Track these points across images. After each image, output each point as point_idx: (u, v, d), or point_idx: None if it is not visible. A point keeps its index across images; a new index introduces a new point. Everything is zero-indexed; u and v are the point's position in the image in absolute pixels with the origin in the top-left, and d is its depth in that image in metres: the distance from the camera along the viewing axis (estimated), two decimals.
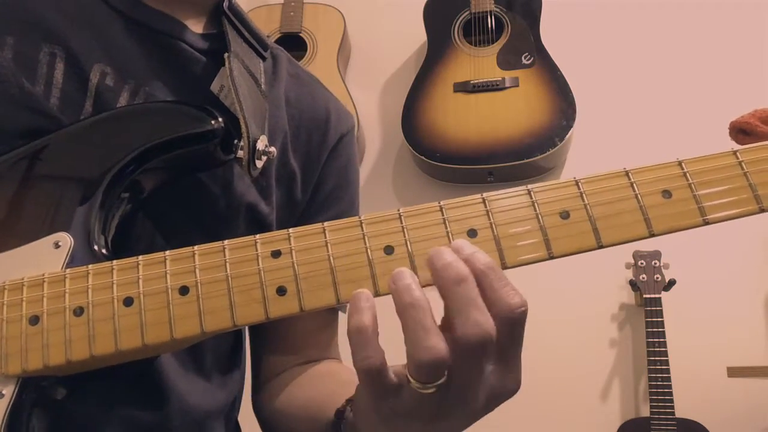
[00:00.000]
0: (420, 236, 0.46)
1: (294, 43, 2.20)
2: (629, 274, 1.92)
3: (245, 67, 0.66)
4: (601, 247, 0.46)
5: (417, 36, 2.25)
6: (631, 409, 1.96)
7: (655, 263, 1.88)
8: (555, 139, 1.90)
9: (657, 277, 1.86)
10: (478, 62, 2.07)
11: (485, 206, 0.47)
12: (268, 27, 2.22)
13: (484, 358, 0.42)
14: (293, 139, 0.73)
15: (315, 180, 0.75)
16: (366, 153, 2.25)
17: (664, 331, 1.79)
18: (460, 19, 2.14)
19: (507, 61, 2.04)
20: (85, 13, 0.63)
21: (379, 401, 0.45)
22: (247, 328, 0.79)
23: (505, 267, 0.46)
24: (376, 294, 0.45)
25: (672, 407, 1.74)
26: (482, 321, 0.41)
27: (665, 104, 2.07)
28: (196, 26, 0.69)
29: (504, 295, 0.42)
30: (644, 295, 1.85)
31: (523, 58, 2.03)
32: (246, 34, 0.70)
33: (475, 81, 2.02)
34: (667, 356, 1.76)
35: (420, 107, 2.06)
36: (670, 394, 1.75)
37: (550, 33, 2.07)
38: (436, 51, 2.14)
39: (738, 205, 0.46)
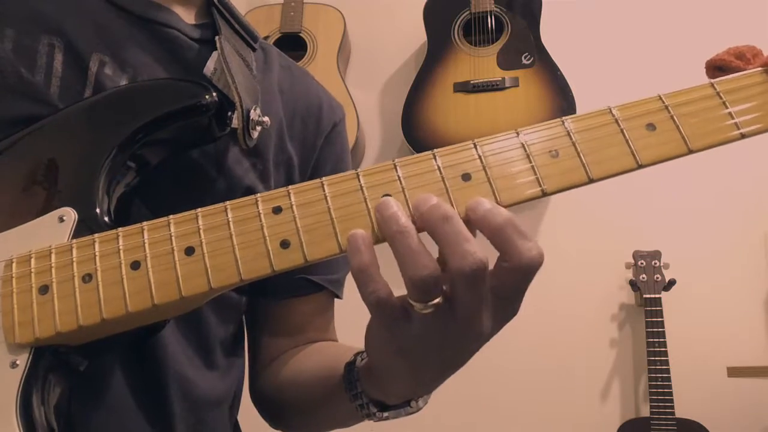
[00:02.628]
0: (416, 183, 0.47)
1: (294, 43, 2.20)
2: (629, 274, 1.92)
3: (236, 51, 0.68)
4: (591, 181, 0.47)
5: (417, 36, 2.25)
6: (631, 409, 1.96)
7: (655, 263, 1.88)
8: None
9: (657, 277, 1.86)
10: (478, 62, 2.07)
11: (476, 151, 0.48)
12: (268, 27, 2.22)
13: (482, 284, 0.44)
14: (288, 126, 0.75)
15: (312, 165, 0.77)
16: (366, 153, 2.25)
17: (664, 331, 1.79)
18: (460, 19, 2.15)
19: (507, 61, 2.04)
20: (81, 6, 0.64)
21: (391, 331, 0.47)
22: (244, 315, 0.80)
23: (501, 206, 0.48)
24: (377, 241, 0.46)
25: (672, 407, 1.74)
26: (472, 251, 0.43)
27: None
28: (188, 17, 0.71)
29: (526, 249, 0.43)
30: (644, 295, 1.85)
31: (523, 58, 2.03)
32: (235, 25, 0.73)
33: (475, 81, 2.03)
34: (667, 356, 1.77)
35: (420, 107, 2.06)
36: (670, 394, 1.75)
37: (550, 33, 2.07)
38: (436, 51, 2.14)
39: (720, 132, 0.48)
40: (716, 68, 0.53)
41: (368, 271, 0.44)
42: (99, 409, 0.59)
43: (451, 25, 2.14)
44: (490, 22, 2.11)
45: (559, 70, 2.00)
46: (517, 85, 2.00)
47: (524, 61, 2.03)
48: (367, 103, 2.28)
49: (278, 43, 2.19)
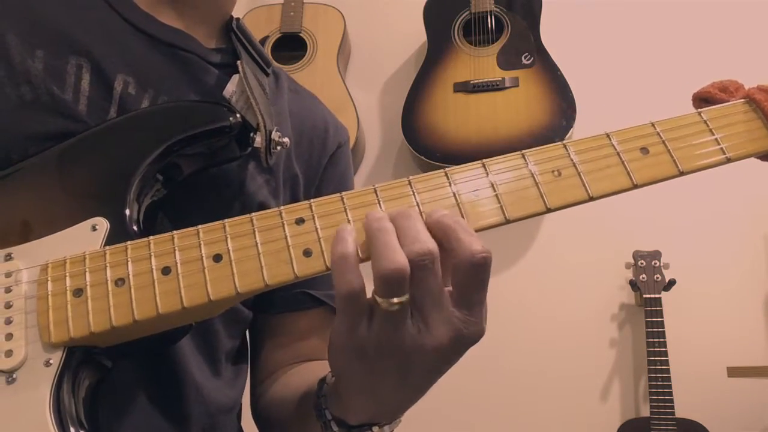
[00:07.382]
0: (429, 198, 0.52)
1: (294, 43, 2.20)
2: (629, 274, 1.92)
3: (254, 75, 0.71)
4: (591, 199, 0.51)
5: (417, 36, 2.25)
6: (631, 409, 1.96)
7: (655, 263, 1.88)
8: (555, 139, 1.90)
9: (657, 277, 1.86)
10: (478, 62, 2.07)
11: (485, 169, 0.53)
12: (268, 27, 2.22)
13: (431, 275, 0.46)
14: (296, 146, 0.78)
15: (316, 184, 0.80)
16: (366, 153, 2.25)
17: (664, 331, 1.79)
18: (460, 19, 2.15)
19: (507, 61, 2.05)
20: (108, 29, 0.68)
21: (352, 329, 0.48)
22: (248, 331, 0.81)
23: (507, 221, 0.51)
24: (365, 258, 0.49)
25: (672, 407, 1.74)
26: (422, 239, 0.46)
27: (665, 104, 2.07)
28: (208, 42, 0.75)
29: (468, 243, 0.46)
30: (644, 295, 1.85)
31: (523, 58, 2.03)
32: (251, 50, 0.76)
33: (475, 81, 2.03)
34: (667, 356, 1.77)
35: (420, 107, 2.06)
36: (670, 394, 1.75)
37: (550, 33, 2.07)
38: (436, 51, 2.14)
39: (708, 156, 0.53)
40: (702, 100, 0.58)
41: (349, 260, 0.46)
42: (120, 409, 0.61)
43: (451, 25, 2.14)
44: (490, 22, 2.11)
45: (559, 70, 2.00)
46: (517, 85, 2.00)
47: (524, 61, 2.03)
48: (367, 103, 2.28)
49: (278, 43, 2.20)
